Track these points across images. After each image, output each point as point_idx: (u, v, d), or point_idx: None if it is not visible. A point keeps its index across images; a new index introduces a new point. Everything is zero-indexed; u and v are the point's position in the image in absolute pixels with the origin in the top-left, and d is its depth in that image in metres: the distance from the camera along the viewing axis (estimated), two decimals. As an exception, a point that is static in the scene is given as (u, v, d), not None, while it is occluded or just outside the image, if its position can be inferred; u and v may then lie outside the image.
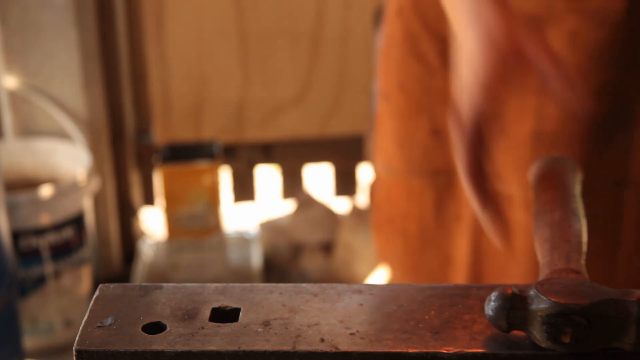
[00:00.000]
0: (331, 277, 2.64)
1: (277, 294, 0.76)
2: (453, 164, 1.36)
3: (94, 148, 2.56)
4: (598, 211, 1.25)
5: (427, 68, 1.36)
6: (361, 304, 0.75)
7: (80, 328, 0.72)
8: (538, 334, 0.69)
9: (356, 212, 2.75)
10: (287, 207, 2.88)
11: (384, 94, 1.45)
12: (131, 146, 2.74)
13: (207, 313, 0.73)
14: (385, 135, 1.47)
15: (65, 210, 2.38)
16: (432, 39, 1.35)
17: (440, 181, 1.40)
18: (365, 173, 2.86)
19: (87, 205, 2.49)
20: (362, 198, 2.87)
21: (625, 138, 1.25)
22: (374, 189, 1.56)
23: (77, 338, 0.71)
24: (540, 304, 0.69)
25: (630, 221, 1.29)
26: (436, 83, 1.36)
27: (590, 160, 1.23)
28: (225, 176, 2.80)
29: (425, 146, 1.39)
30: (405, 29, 1.38)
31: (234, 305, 0.74)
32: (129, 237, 2.81)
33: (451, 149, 1.36)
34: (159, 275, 2.63)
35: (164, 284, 0.77)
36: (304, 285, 0.78)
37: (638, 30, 1.19)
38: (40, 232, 2.35)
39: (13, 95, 2.52)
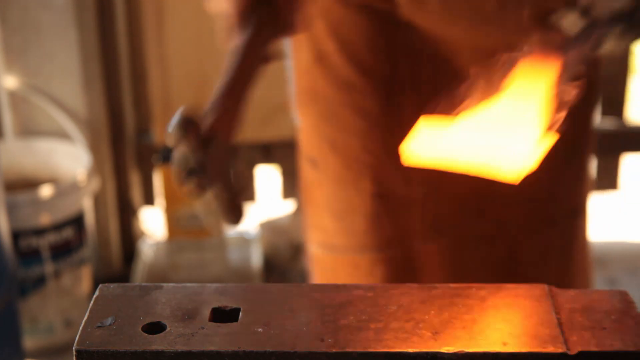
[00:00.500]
0: (331, 277, 2.64)
1: (277, 294, 0.76)
2: (407, 231, 1.17)
3: (94, 148, 2.56)
4: (555, 241, 1.21)
5: (366, 119, 1.14)
6: (360, 304, 0.75)
7: (80, 328, 0.72)
8: None
9: (356, 212, 2.74)
10: (287, 207, 2.88)
11: (310, 160, 1.23)
12: (131, 146, 2.74)
13: (207, 313, 0.73)
14: (318, 208, 1.23)
15: (65, 210, 2.38)
16: (370, 83, 1.13)
17: (393, 254, 1.19)
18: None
19: (87, 205, 2.49)
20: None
21: (578, 166, 1.19)
22: (313, 273, 1.32)
23: (77, 338, 0.71)
24: None
25: (579, 249, 1.25)
26: (377, 135, 1.15)
27: (550, 189, 1.17)
28: (225, 176, 2.79)
29: (369, 214, 1.17)
30: (334, 78, 1.15)
31: (234, 305, 0.74)
32: (129, 237, 2.81)
33: (403, 213, 1.15)
34: (159, 275, 2.62)
35: (164, 284, 0.77)
36: (304, 285, 0.78)
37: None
38: (40, 232, 2.35)
39: (13, 95, 2.52)
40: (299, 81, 1.22)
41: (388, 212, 1.16)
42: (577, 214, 1.22)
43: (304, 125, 1.23)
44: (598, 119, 2.96)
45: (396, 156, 1.10)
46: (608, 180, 3.04)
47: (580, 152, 1.20)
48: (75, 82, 2.53)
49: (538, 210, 1.17)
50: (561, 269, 1.23)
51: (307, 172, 1.23)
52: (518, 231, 1.17)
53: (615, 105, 2.93)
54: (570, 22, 1.03)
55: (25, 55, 2.49)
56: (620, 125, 2.94)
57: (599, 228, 3.03)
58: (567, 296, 0.76)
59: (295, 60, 1.22)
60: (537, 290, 0.76)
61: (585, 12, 1.02)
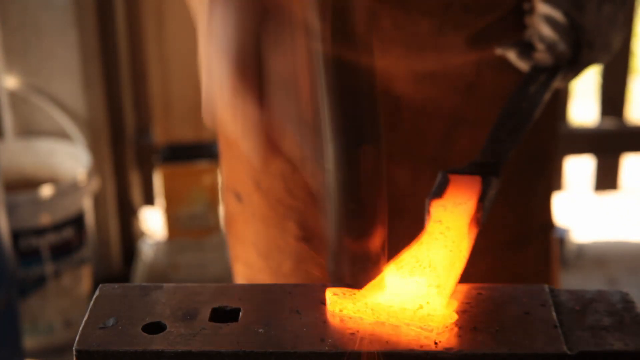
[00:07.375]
0: (331, 277, 2.64)
1: (277, 294, 0.76)
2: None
3: (94, 148, 2.56)
4: (530, 260, 1.19)
5: (289, 162, 1.01)
6: (361, 304, 0.75)
7: (81, 328, 0.72)
8: None
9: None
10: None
11: (234, 193, 1.17)
12: (131, 146, 2.74)
13: (207, 313, 0.73)
14: (244, 242, 1.18)
15: (65, 210, 2.38)
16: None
17: None
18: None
19: (87, 205, 2.49)
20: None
21: (545, 181, 1.17)
22: None
23: (77, 338, 0.71)
24: None
25: (555, 264, 1.22)
26: (301, 179, 1.04)
27: (519, 207, 1.14)
28: (225, 176, 2.80)
29: (295, 257, 1.12)
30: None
31: (234, 305, 0.74)
32: (129, 237, 2.81)
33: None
34: (159, 275, 2.63)
35: (164, 284, 0.77)
36: (304, 285, 0.78)
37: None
38: (40, 232, 2.35)
39: (13, 95, 2.52)
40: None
41: (314, 256, 1.09)
42: (548, 229, 1.20)
43: (226, 156, 1.17)
44: (597, 119, 2.96)
45: (322, 200, 1.06)
46: (608, 180, 3.04)
47: (548, 164, 1.17)
48: (75, 82, 2.53)
49: (510, 233, 1.14)
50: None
51: (231, 205, 1.18)
52: (484, 257, 1.10)
53: (615, 105, 2.93)
54: (513, 58, 1.02)
55: (25, 55, 2.49)
56: (620, 125, 2.94)
57: (599, 228, 3.03)
58: (567, 296, 0.76)
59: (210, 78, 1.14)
60: (537, 290, 0.76)
61: (525, 51, 1.00)
